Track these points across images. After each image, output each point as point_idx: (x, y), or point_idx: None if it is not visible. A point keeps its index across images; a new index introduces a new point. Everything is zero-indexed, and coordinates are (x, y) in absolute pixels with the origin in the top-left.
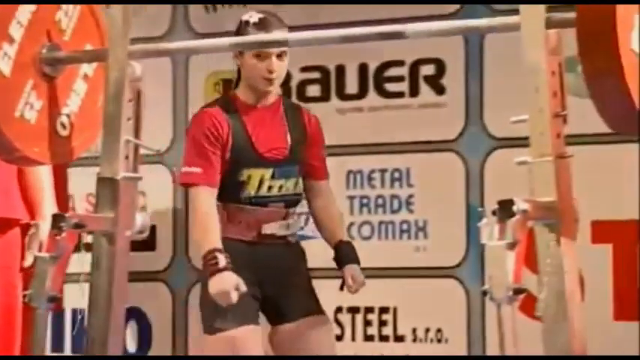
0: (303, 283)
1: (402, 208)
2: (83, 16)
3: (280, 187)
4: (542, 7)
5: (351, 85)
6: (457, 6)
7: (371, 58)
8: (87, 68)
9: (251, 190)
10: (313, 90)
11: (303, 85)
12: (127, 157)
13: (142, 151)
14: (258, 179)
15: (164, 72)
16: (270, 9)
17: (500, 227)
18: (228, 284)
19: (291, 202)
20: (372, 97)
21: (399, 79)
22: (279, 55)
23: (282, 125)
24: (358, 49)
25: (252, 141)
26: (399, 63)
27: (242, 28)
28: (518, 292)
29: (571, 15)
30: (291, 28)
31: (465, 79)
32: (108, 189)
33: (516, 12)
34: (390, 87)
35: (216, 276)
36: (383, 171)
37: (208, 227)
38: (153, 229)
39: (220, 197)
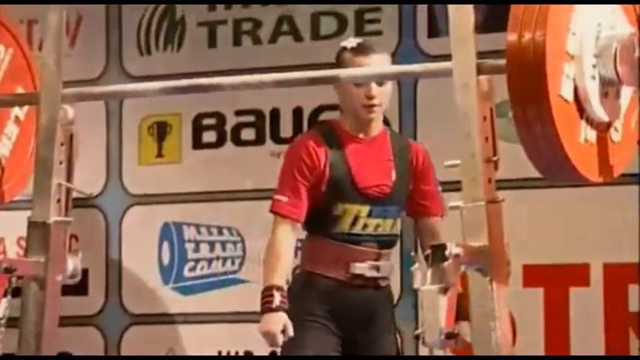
0: (386, 329)
1: None
2: (15, 58)
3: (377, 227)
4: (473, 54)
5: (286, 129)
6: (391, 50)
7: (306, 101)
8: (18, 111)
9: (344, 226)
10: (248, 133)
11: (237, 128)
12: (58, 201)
13: (74, 194)
14: (353, 215)
15: (97, 115)
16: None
17: (432, 272)
18: (276, 325)
19: (386, 243)
20: None
21: None
22: (382, 82)
23: (388, 160)
24: (293, 92)
25: (352, 174)
26: (334, 107)
27: (340, 54)
28: (450, 336)
29: (501, 62)
30: (225, 72)
31: (399, 123)
32: (39, 233)
33: (449, 57)
34: None
35: (267, 315)
36: None
37: (275, 262)
38: (85, 272)
39: (311, 228)
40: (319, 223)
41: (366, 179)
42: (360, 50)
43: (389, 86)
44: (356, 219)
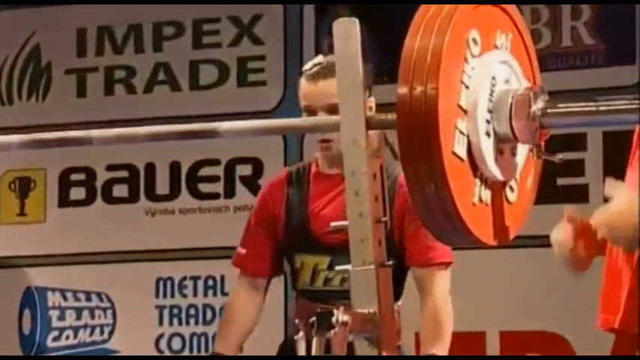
0: None
1: (217, 319)
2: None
3: (342, 281)
4: (362, 107)
5: (162, 185)
6: (276, 102)
7: (183, 156)
8: None
9: (305, 281)
10: (120, 190)
11: (109, 184)
12: None
13: None
14: (311, 268)
15: None
16: None
17: (317, 341)
18: None
19: None
20: (185, 198)
21: (213, 179)
22: (332, 110)
23: None
24: (170, 147)
25: (309, 220)
26: (214, 162)
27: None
28: None
29: (392, 116)
30: (95, 124)
31: None
32: None
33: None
34: (204, 187)
35: None
36: (195, 278)
37: (223, 326)
38: None
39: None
40: (291, 277)
41: (323, 225)
42: (310, 75)
43: None
44: (315, 272)
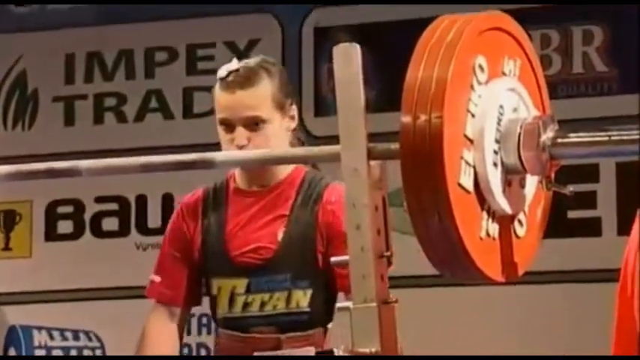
0: None
1: None
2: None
3: (262, 305)
4: (364, 136)
5: (154, 218)
6: None
7: (176, 187)
8: None
9: (223, 309)
10: (110, 223)
11: (98, 217)
12: None
13: None
14: (229, 293)
15: None
16: None
17: None
18: None
19: (287, 324)
20: None
21: None
22: (252, 124)
23: (280, 217)
24: (162, 178)
25: (225, 239)
26: None
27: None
28: None
29: (395, 146)
30: (84, 154)
31: None
32: None
33: (337, 139)
34: None
35: None
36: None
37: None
38: None
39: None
40: (210, 307)
41: (240, 244)
42: (225, 83)
43: (267, 130)
44: (232, 297)
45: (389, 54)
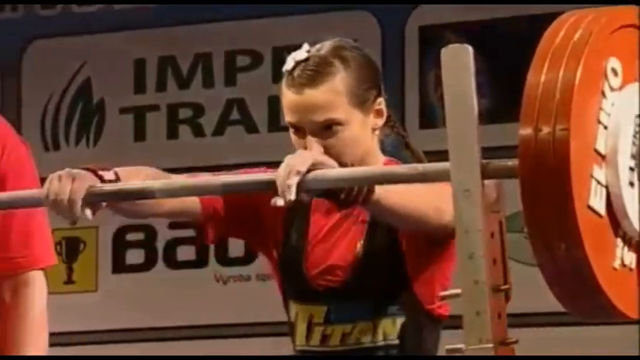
0: None
1: None
2: None
3: (343, 338)
4: (476, 151)
5: (236, 247)
6: None
7: None
8: None
9: (301, 339)
10: (185, 252)
11: (172, 245)
12: None
13: None
14: (306, 321)
15: None
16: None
17: None
18: None
19: None
20: (263, 262)
21: None
22: (326, 129)
23: (360, 222)
24: None
25: (303, 253)
26: None
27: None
28: None
29: (512, 162)
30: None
31: None
32: None
33: (446, 154)
34: None
35: None
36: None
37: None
38: None
39: None
40: (289, 332)
41: (318, 260)
42: (292, 79)
43: (346, 133)
44: (310, 327)
45: (505, 56)
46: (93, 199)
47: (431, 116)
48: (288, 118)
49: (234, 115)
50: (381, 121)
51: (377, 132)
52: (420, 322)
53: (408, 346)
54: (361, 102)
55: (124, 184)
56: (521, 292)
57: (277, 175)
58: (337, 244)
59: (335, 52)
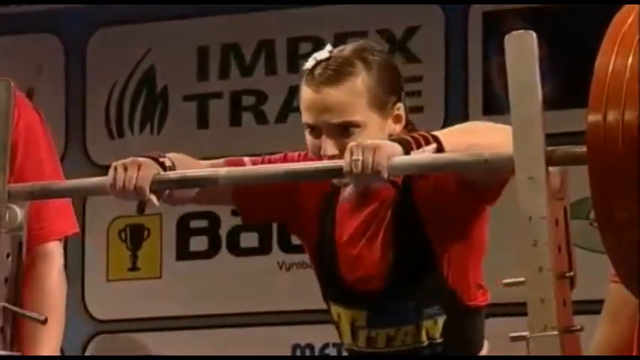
0: None
1: None
2: None
3: (389, 341)
4: (541, 138)
5: None
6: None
7: None
8: None
9: (348, 340)
10: (249, 239)
11: (235, 232)
12: (2, 330)
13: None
14: (349, 323)
15: None
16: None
17: None
18: None
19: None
20: None
21: None
22: (344, 128)
23: (385, 233)
24: None
25: (336, 256)
26: None
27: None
28: None
29: (580, 149)
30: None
31: None
32: None
33: None
34: None
35: None
36: (339, 345)
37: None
38: None
39: None
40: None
41: (351, 265)
42: (311, 77)
43: (365, 134)
44: (354, 329)
45: (569, 42)
46: (159, 187)
47: (494, 103)
48: (304, 117)
49: (297, 102)
50: (399, 127)
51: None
52: (461, 318)
53: (453, 343)
54: (380, 106)
55: (188, 172)
56: (586, 279)
57: (364, 158)
58: (368, 251)
59: (357, 54)
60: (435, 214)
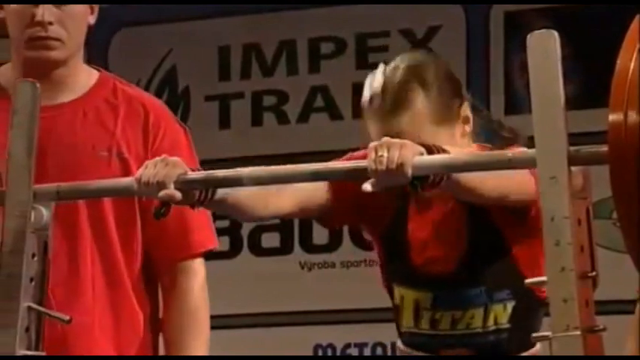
0: None
1: None
2: None
3: (454, 323)
4: (564, 137)
5: (320, 234)
6: None
7: None
8: None
9: (408, 322)
10: (270, 239)
11: (256, 233)
12: (27, 330)
13: None
14: (412, 305)
15: None
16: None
17: None
18: None
19: (483, 345)
20: (347, 249)
21: None
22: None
23: (458, 221)
24: None
25: (408, 239)
26: None
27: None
28: None
29: (602, 148)
30: (241, 160)
31: None
32: None
33: (532, 142)
34: None
35: None
36: (361, 345)
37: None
38: None
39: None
40: (394, 313)
41: (422, 248)
42: (373, 111)
43: (440, 143)
44: (418, 311)
45: (591, 42)
46: (183, 186)
47: (516, 102)
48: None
49: (318, 102)
50: (469, 127)
51: (466, 137)
52: (530, 306)
53: (519, 330)
54: (445, 117)
55: (212, 172)
56: (609, 279)
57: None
58: (439, 236)
59: (411, 74)
60: (503, 219)
